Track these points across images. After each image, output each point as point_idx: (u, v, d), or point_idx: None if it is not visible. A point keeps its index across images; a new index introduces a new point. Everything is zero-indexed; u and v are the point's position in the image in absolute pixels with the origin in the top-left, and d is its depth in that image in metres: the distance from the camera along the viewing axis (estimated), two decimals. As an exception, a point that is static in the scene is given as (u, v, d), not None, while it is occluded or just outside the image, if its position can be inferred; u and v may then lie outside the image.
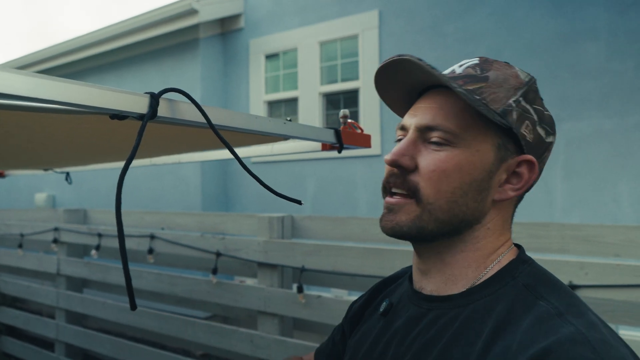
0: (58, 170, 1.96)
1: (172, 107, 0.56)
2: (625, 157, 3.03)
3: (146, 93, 0.55)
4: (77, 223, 3.13)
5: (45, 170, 1.94)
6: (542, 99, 0.62)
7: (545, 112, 0.61)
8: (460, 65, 0.62)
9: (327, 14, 4.27)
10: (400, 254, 1.83)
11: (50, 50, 5.59)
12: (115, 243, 2.78)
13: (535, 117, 0.59)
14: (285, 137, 0.82)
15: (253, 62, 4.68)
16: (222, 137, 0.58)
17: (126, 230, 2.80)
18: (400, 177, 0.59)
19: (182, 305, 2.75)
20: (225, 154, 1.40)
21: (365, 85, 4.07)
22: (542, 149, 0.60)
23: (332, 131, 0.87)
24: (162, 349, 2.83)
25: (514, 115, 0.57)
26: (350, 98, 4.25)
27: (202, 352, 3.09)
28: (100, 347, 2.85)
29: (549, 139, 0.61)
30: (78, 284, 3.15)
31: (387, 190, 0.62)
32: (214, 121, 0.60)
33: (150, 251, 2.56)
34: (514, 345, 0.48)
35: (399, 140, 0.63)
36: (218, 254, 2.32)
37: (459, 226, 0.59)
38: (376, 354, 0.63)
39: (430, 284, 0.62)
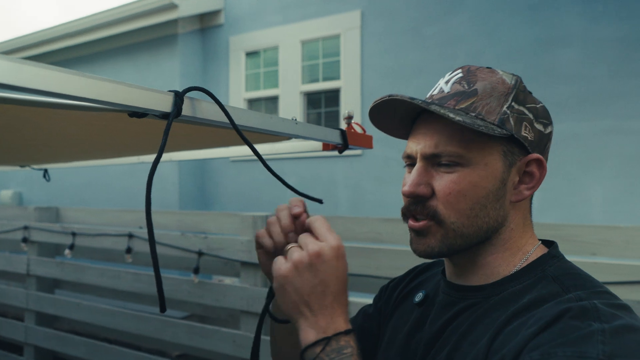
0: (36, 167, 1.88)
1: (194, 106, 0.55)
2: (598, 160, 3.16)
3: (170, 91, 0.53)
4: (48, 221, 3.02)
5: (22, 167, 1.86)
6: (531, 93, 0.63)
7: (538, 106, 0.63)
8: (447, 82, 0.63)
9: (309, 13, 4.26)
10: (385, 253, 1.85)
11: (16, 41, 5.35)
12: (91, 242, 2.70)
13: (530, 115, 0.61)
14: (290, 137, 0.82)
15: (233, 59, 4.62)
16: (245, 137, 0.57)
17: (103, 229, 2.72)
18: (419, 205, 0.62)
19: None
20: (213, 152, 1.38)
21: (347, 85, 4.08)
22: (544, 142, 0.63)
23: (338, 132, 0.87)
24: (137, 350, 2.76)
25: (511, 121, 0.59)
26: (332, 98, 4.26)
27: (178, 352, 3.04)
28: (73, 349, 2.76)
29: (548, 130, 0.63)
30: (49, 285, 3.04)
31: (407, 217, 0.64)
32: (237, 121, 0.59)
33: (129, 250, 2.50)
34: (531, 320, 0.52)
35: (408, 166, 0.66)
36: (200, 253, 2.28)
37: (486, 234, 0.61)
38: (413, 344, 0.66)
39: (464, 282, 0.65)
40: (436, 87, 0.64)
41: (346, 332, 0.55)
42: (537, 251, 0.63)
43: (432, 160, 0.61)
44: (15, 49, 5.44)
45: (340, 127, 0.88)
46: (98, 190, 4.95)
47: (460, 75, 0.63)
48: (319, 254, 0.55)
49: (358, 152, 3.91)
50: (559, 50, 3.27)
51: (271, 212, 2.25)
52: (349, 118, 0.89)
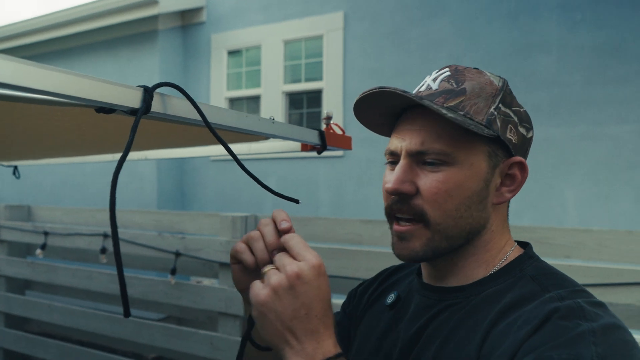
0: (5, 164, 1.82)
1: (165, 103, 0.53)
2: (572, 164, 3.23)
3: (139, 86, 0.51)
4: (19, 220, 2.92)
5: (-10, 163, 1.79)
6: (515, 97, 0.64)
7: (522, 110, 0.63)
8: (434, 80, 0.62)
9: (291, 13, 4.25)
10: (365, 255, 1.85)
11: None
12: (64, 242, 2.62)
13: (515, 118, 0.61)
14: (268, 137, 0.80)
15: (215, 57, 4.57)
16: (219, 136, 0.55)
17: (77, 228, 2.65)
18: (404, 203, 0.60)
19: (136, 307, 2.64)
20: (190, 151, 1.36)
21: (329, 86, 4.08)
22: (525, 146, 0.63)
23: (316, 132, 0.86)
24: (112, 352, 2.69)
25: (498, 122, 0.59)
26: (314, 98, 4.25)
27: (154, 355, 2.98)
28: (44, 352, 2.68)
29: (530, 134, 0.64)
30: (20, 286, 2.94)
31: (391, 217, 0.62)
32: (210, 119, 0.57)
33: (103, 251, 2.44)
34: (519, 321, 0.52)
35: (390, 163, 0.64)
36: (177, 254, 2.24)
37: (469, 236, 0.61)
38: (386, 346, 0.64)
39: (443, 283, 0.64)
40: (423, 84, 0.63)
41: (336, 356, 0.51)
42: (514, 252, 0.63)
43: (417, 158, 0.60)
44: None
45: (319, 128, 0.87)
46: (73, 189, 4.82)
47: (448, 73, 0.62)
48: (299, 275, 0.51)
49: (339, 153, 3.91)
50: (536, 57, 3.33)
51: (251, 213, 2.23)
52: (328, 119, 0.88)
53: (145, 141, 1.00)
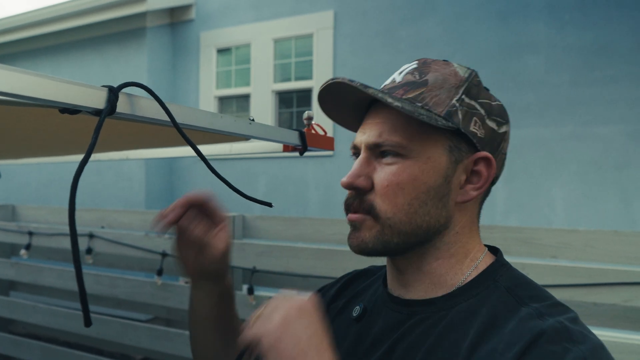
0: (-15, 162, 1.78)
1: (132, 103, 0.51)
2: (560, 164, 3.25)
3: (104, 86, 0.50)
4: (4, 220, 2.88)
5: (-30, 162, 1.75)
6: (487, 90, 0.61)
7: (494, 103, 0.60)
8: (400, 72, 0.61)
9: (281, 11, 4.22)
10: (353, 255, 1.84)
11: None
12: (49, 242, 2.58)
13: (482, 111, 0.58)
14: (246, 138, 0.79)
15: (204, 55, 4.53)
16: (188, 137, 0.54)
17: (62, 228, 2.61)
18: (357, 198, 0.59)
19: (122, 308, 2.61)
20: (174, 151, 1.34)
21: (319, 85, 4.06)
22: (497, 141, 0.59)
23: (296, 133, 0.84)
24: (99, 354, 2.66)
25: (460, 114, 0.56)
26: (304, 97, 4.24)
27: (142, 356, 2.95)
28: (29, 354, 2.64)
29: (503, 129, 0.60)
30: (4, 287, 2.90)
31: (348, 211, 0.61)
32: (177, 119, 0.56)
33: (89, 251, 2.40)
34: (501, 346, 0.49)
35: (353, 156, 0.63)
36: (164, 254, 2.22)
37: (427, 235, 0.58)
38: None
39: (410, 293, 0.61)
40: (390, 78, 0.62)
41: None
42: (485, 259, 0.60)
43: (375, 151, 0.58)
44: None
45: (299, 129, 0.86)
46: (59, 188, 4.76)
47: (415, 66, 0.60)
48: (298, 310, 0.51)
49: (329, 152, 3.90)
50: (525, 57, 3.35)
51: (239, 213, 2.21)
52: (309, 119, 0.87)
53: (123, 141, 0.98)
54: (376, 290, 0.66)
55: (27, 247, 2.58)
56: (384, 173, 0.57)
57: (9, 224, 2.76)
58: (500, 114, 0.60)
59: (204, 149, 1.13)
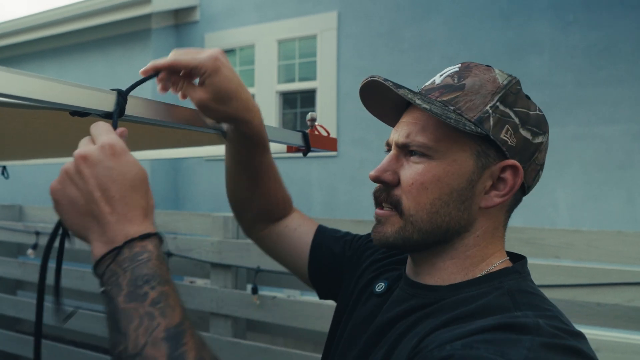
0: (-7, 163, 1.80)
1: (141, 105, 0.53)
2: (563, 165, 3.25)
3: (113, 90, 0.51)
4: (11, 220, 2.91)
5: (-21, 163, 1.78)
6: (528, 98, 0.61)
7: (532, 112, 0.59)
8: (441, 75, 0.62)
9: (285, 13, 4.24)
10: (356, 255, 1.85)
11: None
12: (55, 242, 2.61)
13: (516, 120, 0.58)
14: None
15: (208, 56, 4.55)
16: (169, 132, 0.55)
17: (68, 228, 2.63)
18: (384, 192, 0.61)
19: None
20: (179, 152, 1.35)
21: (323, 86, 4.08)
22: (529, 152, 0.59)
23: (300, 134, 0.86)
24: (104, 352, 2.68)
25: (491, 121, 0.56)
26: (308, 98, 4.25)
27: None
28: (36, 353, 2.67)
29: (538, 139, 0.59)
30: (11, 286, 2.93)
31: (377, 203, 0.63)
32: (184, 121, 0.57)
33: (95, 251, 2.43)
34: (468, 326, 0.49)
35: (387, 151, 0.65)
36: (169, 254, 2.23)
37: (446, 235, 0.59)
38: (362, 332, 0.64)
39: (419, 279, 0.63)
40: (431, 79, 0.63)
41: (141, 238, 0.48)
42: (502, 264, 0.60)
43: (404, 150, 0.60)
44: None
45: (302, 130, 0.87)
46: (66, 188, 4.80)
47: (456, 69, 0.61)
48: (85, 157, 0.48)
49: (333, 153, 3.91)
50: (529, 57, 3.34)
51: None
52: (312, 120, 0.88)
53: (127, 142, 0.99)
54: (401, 275, 0.69)
55: (34, 246, 2.61)
56: (410, 171, 0.59)
57: (16, 224, 2.79)
58: (537, 124, 0.60)
59: (211, 149, 1.15)
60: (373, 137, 3.72)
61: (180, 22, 4.67)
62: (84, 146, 0.49)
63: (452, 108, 0.57)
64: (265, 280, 2.06)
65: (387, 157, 0.62)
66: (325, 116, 4.03)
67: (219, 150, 1.05)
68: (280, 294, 2.29)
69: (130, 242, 0.47)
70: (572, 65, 3.23)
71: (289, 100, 4.37)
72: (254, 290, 1.95)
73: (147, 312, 0.45)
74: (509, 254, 0.64)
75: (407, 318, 0.58)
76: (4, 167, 1.82)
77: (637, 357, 1.38)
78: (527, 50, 3.35)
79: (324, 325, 1.85)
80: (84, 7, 4.42)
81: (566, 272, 1.54)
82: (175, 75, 0.61)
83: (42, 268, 0.58)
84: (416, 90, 0.62)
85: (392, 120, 0.67)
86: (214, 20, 4.54)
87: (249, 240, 2.13)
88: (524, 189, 0.61)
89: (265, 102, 4.34)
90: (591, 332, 1.56)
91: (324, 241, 0.82)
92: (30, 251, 2.62)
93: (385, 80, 0.58)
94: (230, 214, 2.18)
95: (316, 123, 0.88)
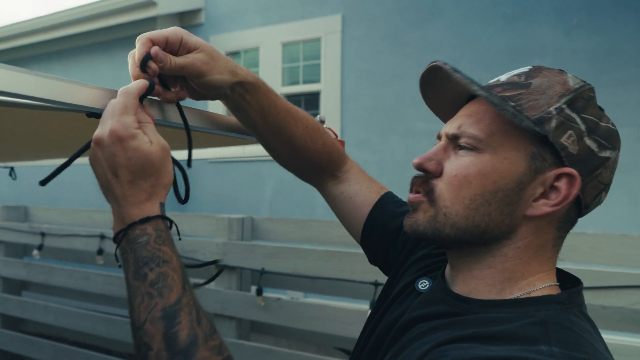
0: (1, 165, 1.82)
1: (155, 107, 0.54)
2: (567, 167, 3.24)
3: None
4: (16, 221, 2.93)
5: (-13, 164, 1.79)
6: (601, 110, 0.56)
7: (602, 124, 0.54)
8: (508, 74, 0.59)
9: (290, 15, 4.26)
10: (361, 257, 1.85)
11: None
12: (61, 243, 2.63)
13: (582, 127, 0.52)
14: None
15: (212, 59, 4.58)
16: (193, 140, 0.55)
17: (74, 229, 2.65)
18: (422, 178, 0.58)
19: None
20: (183, 154, 1.36)
21: (327, 88, 4.09)
22: (592, 164, 0.53)
23: (308, 136, 0.86)
24: (108, 353, 2.69)
25: (553, 123, 0.52)
26: (312, 100, 4.26)
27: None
28: (40, 353, 2.68)
29: (605, 154, 0.53)
30: (16, 287, 2.95)
31: (411, 189, 0.61)
32: (197, 123, 0.58)
33: (100, 252, 2.44)
34: (478, 352, 0.46)
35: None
36: (174, 256, 2.24)
37: (483, 237, 0.55)
38: (391, 327, 0.62)
39: (453, 286, 0.60)
40: (495, 78, 0.60)
41: (142, 221, 0.52)
42: (545, 290, 0.54)
43: (454, 142, 0.57)
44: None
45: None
46: (70, 190, 4.82)
47: (525, 70, 0.57)
48: (97, 141, 0.52)
49: (337, 155, 3.92)
50: (532, 60, 3.34)
51: (247, 215, 2.23)
52: (321, 122, 0.89)
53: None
54: (438, 277, 0.65)
55: (40, 247, 2.62)
56: (456, 163, 0.56)
57: (22, 225, 2.81)
58: (607, 137, 0.54)
59: (217, 151, 1.16)
60: (376, 139, 3.73)
61: (186, 25, 4.69)
62: (100, 128, 0.53)
63: (512, 104, 0.53)
64: (270, 282, 2.07)
65: (434, 147, 0.59)
66: (329, 118, 4.04)
67: (227, 151, 1.06)
68: (284, 295, 2.29)
69: (132, 225, 0.52)
70: (576, 68, 3.22)
71: (293, 102, 4.36)
72: (259, 292, 1.96)
73: (147, 291, 0.49)
74: (564, 276, 0.59)
75: (429, 321, 0.56)
76: (12, 168, 1.83)
77: (642, 360, 1.38)
78: (530, 54, 3.35)
79: (328, 326, 1.85)
80: (90, 10, 4.45)
81: (571, 274, 1.54)
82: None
83: None
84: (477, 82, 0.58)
85: (447, 115, 0.64)
86: (218, 23, 4.57)
87: (253, 242, 2.15)
88: (580, 208, 0.55)
89: (269, 104, 4.35)
90: (596, 335, 1.55)
91: (380, 216, 0.78)
92: (35, 252, 2.64)
93: (445, 63, 0.55)
94: (235, 216, 2.19)
95: (325, 125, 0.89)
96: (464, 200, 0.54)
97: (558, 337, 0.46)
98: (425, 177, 0.58)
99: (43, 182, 0.56)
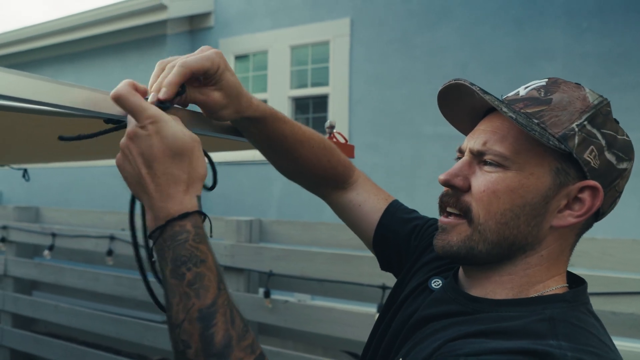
0: (15, 166, 1.85)
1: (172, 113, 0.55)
2: (576, 172, 3.22)
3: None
4: (28, 221, 2.96)
5: (1, 166, 1.83)
6: (617, 122, 0.59)
7: (619, 137, 0.57)
8: (526, 87, 0.61)
9: (298, 19, 4.28)
10: (368, 260, 1.86)
11: (1, 37, 5.26)
12: (71, 244, 2.66)
13: (602, 142, 0.56)
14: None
15: (221, 61, 4.61)
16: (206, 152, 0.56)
17: (84, 230, 2.68)
18: (453, 197, 0.60)
19: (141, 309, 2.66)
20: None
21: (335, 92, 4.10)
22: (612, 176, 0.56)
23: (318, 141, 0.87)
24: (117, 354, 2.72)
25: (576, 139, 0.54)
26: (320, 103, 4.27)
27: (159, 357, 3.00)
28: (50, 352, 2.71)
29: (622, 165, 0.57)
30: (27, 286, 2.98)
31: (442, 209, 0.62)
32: (210, 128, 0.59)
33: (110, 253, 2.47)
34: (489, 345, 0.49)
35: (457, 158, 0.63)
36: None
37: (510, 250, 0.57)
38: (404, 323, 0.64)
39: (467, 288, 0.62)
40: (514, 91, 0.62)
41: (180, 217, 0.51)
42: (555, 291, 0.57)
43: (479, 158, 0.58)
44: (0, 45, 5.36)
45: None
46: (80, 191, 4.87)
47: (543, 84, 0.60)
48: (131, 135, 0.52)
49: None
50: (541, 64, 3.33)
51: (255, 217, 2.24)
52: (331, 128, 0.90)
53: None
54: (449, 277, 0.67)
55: (50, 248, 2.66)
56: (483, 179, 0.57)
57: (33, 226, 2.85)
58: (624, 150, 0.58)
59: (229, 155, 1.17)
60: (384, 143, 3.73)
61: (195, 28, 4.73)
62: (133, 124, 0.53)
63: (536, 121, 0.55)
64: (277, 284, 2.08)
65: (459, 162, 0.60)
66: (337, 122, 4.03)
67: (238, 155, 1.07)
68: (292, 298, 2.30)
69: (171, 221, 0.51)
70: (586, 72, 3.21)
71: (301, 105, 4.40)
72: (266, 294, 1.96)
73: (185, 291, 0.49)
74: (569, 277, 0.61)
75: (441, 320, 0.58)
76: (25, 170, 1.86)
77: (652, 367, 1.37)
78: (539, 57, 3.33)
79: (335, 329, 1.86)
80: (101, 14, 4.51)
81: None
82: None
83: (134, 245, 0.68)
84: (500, 98, 0.60)
85: (465, 127, 0.66)
86: (228, 26, 4.60)
87: (261, 244, 2.16)
88: (598, 214, 0.58)
89: (278, 107, 4.31)
90: (606, 342, 1.54)
91: (391, 223, 0.80)
92: (46, 252, 2.67)
93: (472, 84, 0.57)
94: (243, 218, 2.20)
95: (335, 130, 0.89)
96: (496, 215, 0.56)
97: (565, 332, 0.49)
98: (455, 194, 0.59)
99: (63, 138, 0.55)
